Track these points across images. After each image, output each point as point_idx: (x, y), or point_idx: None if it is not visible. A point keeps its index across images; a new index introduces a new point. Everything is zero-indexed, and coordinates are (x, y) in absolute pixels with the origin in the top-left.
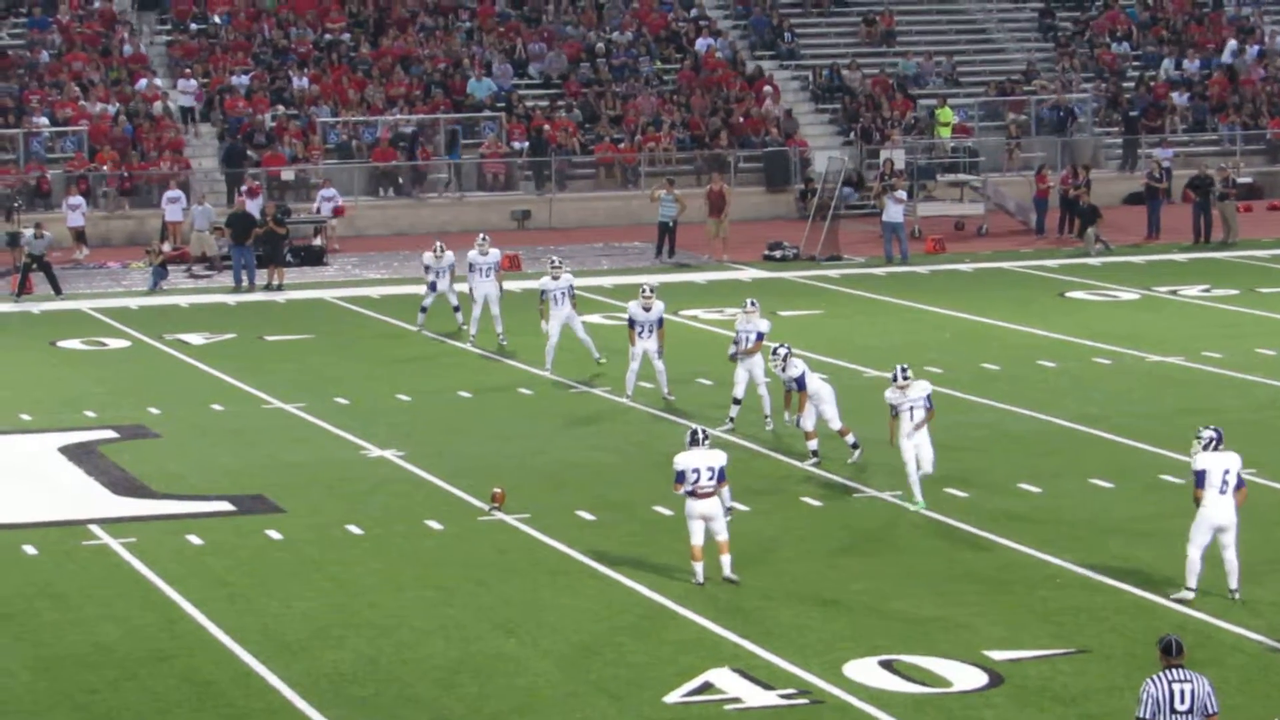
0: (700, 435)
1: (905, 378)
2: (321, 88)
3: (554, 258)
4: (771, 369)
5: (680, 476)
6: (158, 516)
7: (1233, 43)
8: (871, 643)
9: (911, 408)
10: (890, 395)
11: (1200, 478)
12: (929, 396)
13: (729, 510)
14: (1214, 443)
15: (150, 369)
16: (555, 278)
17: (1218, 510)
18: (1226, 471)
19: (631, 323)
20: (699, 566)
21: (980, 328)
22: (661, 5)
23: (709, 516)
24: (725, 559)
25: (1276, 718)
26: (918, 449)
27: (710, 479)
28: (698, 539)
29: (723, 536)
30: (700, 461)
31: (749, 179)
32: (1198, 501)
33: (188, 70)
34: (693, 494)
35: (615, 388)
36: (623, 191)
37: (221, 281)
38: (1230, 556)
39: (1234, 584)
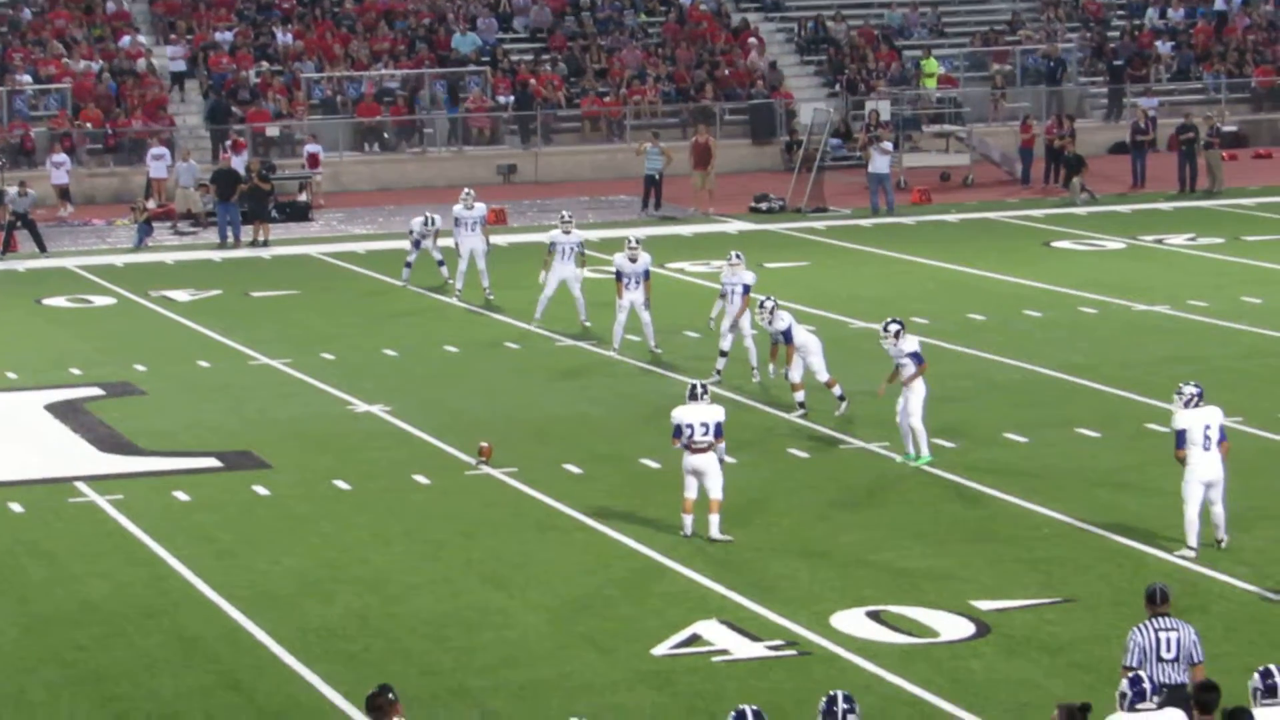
0: (700, 390)
1: (884, 331)
2: (306, 43)
3: (565, 212)
4: (758, 321)
5: (677, 430)
6: (144, 473)
7: None
8: (859, 594)
9: (899, 364)
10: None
11: (1180, 437)
12: (914, 353)
13: (721, 463)
14: (1194, 399)
15: (136, 326)
16: (566, 232)
17: (1204, 466)
18: (1207, 427)
19: (618, 275)
20: (688, 519)
21: (966, 278)
22: None
23: (701, 471)
24: (714, 518)
25: (1264, 665)
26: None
27: (705, 434)
28: (690, 493)
29: (715, 495)
30: (697, 416)
31: (734, 131)
32: (1181, 461)
33: (174, 35)
34: (688, 448)
35: (602, 341)
36: (608, 145)
37: (207, 238)
38: (1218, 510)
39: (1221, 534)
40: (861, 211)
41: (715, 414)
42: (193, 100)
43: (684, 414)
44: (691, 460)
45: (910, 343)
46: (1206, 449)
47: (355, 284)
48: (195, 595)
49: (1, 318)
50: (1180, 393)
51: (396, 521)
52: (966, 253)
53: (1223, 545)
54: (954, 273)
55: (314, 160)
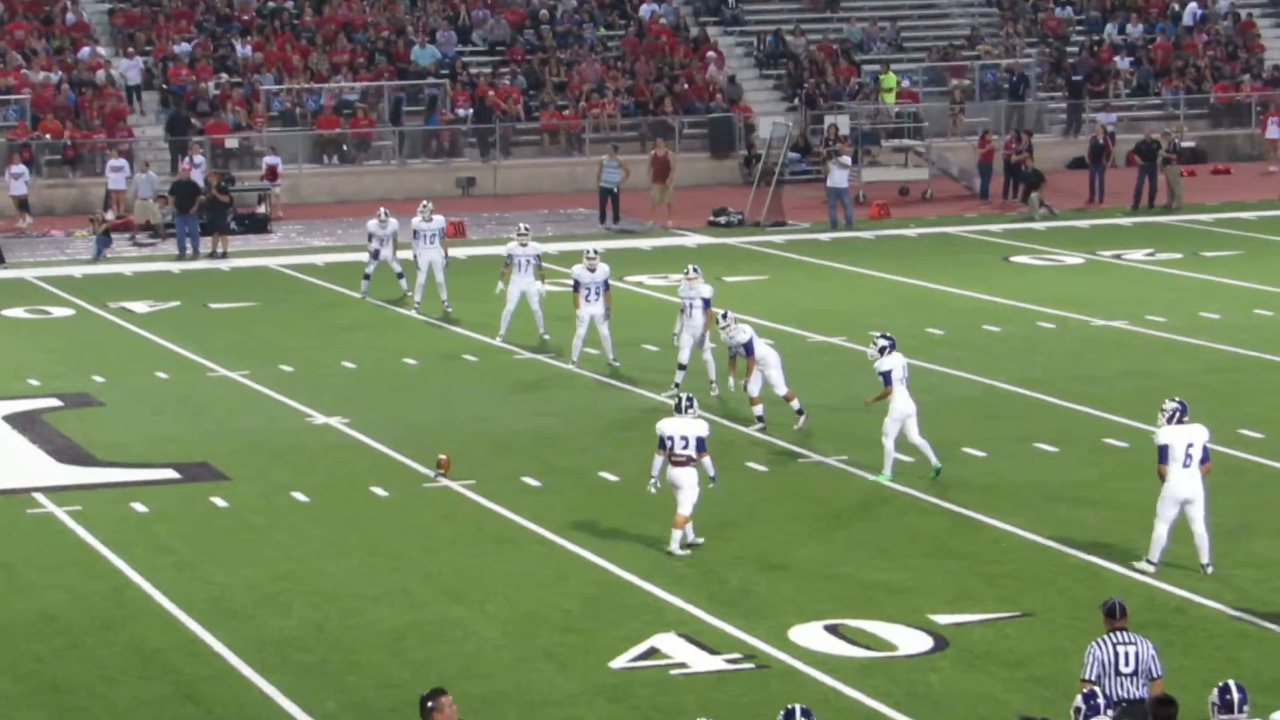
0: (685, 403)
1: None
2: (265, 55)
3: (522, 225)
4: (720, 334)
5: (661, 442)
6: (103, 485)
7: (1193, 6)
8: (817, 607)
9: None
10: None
11: (1163, 453)
12: (883, 373)
13: (713, 480)
14: (1177, 414)
15: (94, 337)
16: (523, 245)
17: (1182, 484)
18: (1190, 445)
19: (576, 285)
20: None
21: (924, 292)
22: None
23: (677, 485)
24: (676, 533)
25: (1223, 681)
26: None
27: (685, 447)
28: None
29: (683, 510)
30: (679, 429)
31: (693, 145)
32: (1162, 477)
33: (130, 49)
34: (670, 460)
35: (561, 354)
36: (567, 158)
37: (166, 249)
38: (1200, 530)
39: (1205, 558)
40: (820, 226)
41: (697, 428)
42: (151, 111)
43: (667, 426)
44: (671, 472)
45: (885, 361)
46: (1186, 466)
47: (314, 296)
48: (153, 607)
49: None
50: (1164, 409)
51: (354, 534)
52: (925, 267)
53: (1209, 571)
54: (913, 287)
55: (273, 172)
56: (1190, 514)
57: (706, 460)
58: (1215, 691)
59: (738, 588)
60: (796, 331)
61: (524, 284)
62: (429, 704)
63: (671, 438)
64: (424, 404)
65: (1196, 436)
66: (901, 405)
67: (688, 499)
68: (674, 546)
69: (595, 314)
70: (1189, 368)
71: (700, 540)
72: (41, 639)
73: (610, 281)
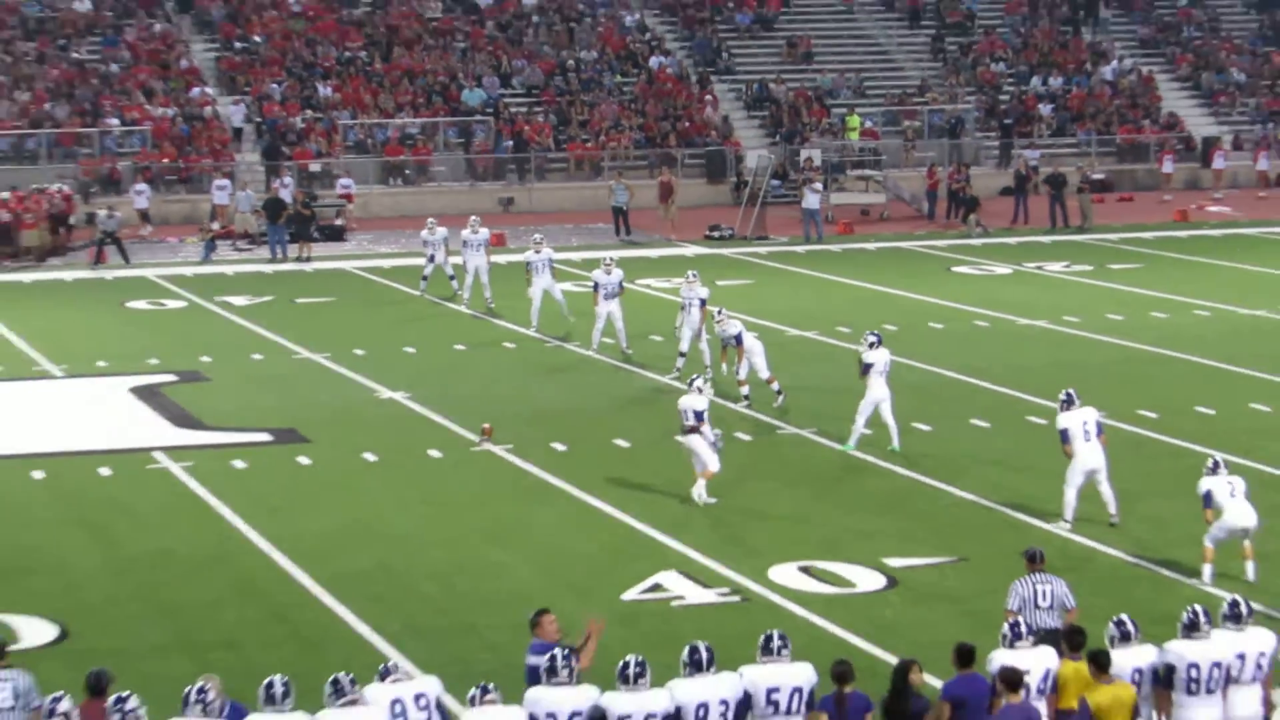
0: (692, 381)
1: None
2: (343, 95)
3: (537, 235)
4: (714, 327)
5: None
6: (209, 445)
7: (1115, 64)
8: (792, 551)
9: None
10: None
11: (1064, 435)
12: (866, 364)
13: (715, 445)
14: (1069, 403)
15: (202, 325)
16: (537, 252)
17: (1088, 456)
18: (1085, 423)
19: (596, 286)
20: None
21: (881, 295)
22: (621, 29)
23: (688, 450)
24: (698, 484)
25: (1117, 615)
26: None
27: (687, 419)
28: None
29: (698, 468)
30: (688, 404)
31: (693, 172)
32: (1067, 455)
33: (238, 98)
34: (681, 430)
35: (583, 343)
36: (590, 182)
37: (260, 254)
38: (1106, 490)
39: (1113, 511)
40: (796, 240)
41: (696, 403)
42: (249, 141)
43: (680, 402)
44: (682, 440)
45: (869, 355)
46: (1087, 440)
47: (381, 293)
48: (250, 545)
49: (93, 317)
50: (1059, 399)
51: (414, 488)
52: (882, 275)
53: (1115, 522)
54: (872, 291)
55: (348, 197)
56: (1097, 479)
57: (705, 428)
58: (1111, 624)
59: (727, 535)
60: (777, 326)
61: (544, 283)
62: (534, 620)
63: (682, 411)
64: (471, 382)
65: (1089, 416)
66: (875, 391)
67: (697, 461)
68: (700, 496)
69: (612, 311)
70: (1098, 360)
71: (712, 500)
72: (160, 570)
73: (623, 284)
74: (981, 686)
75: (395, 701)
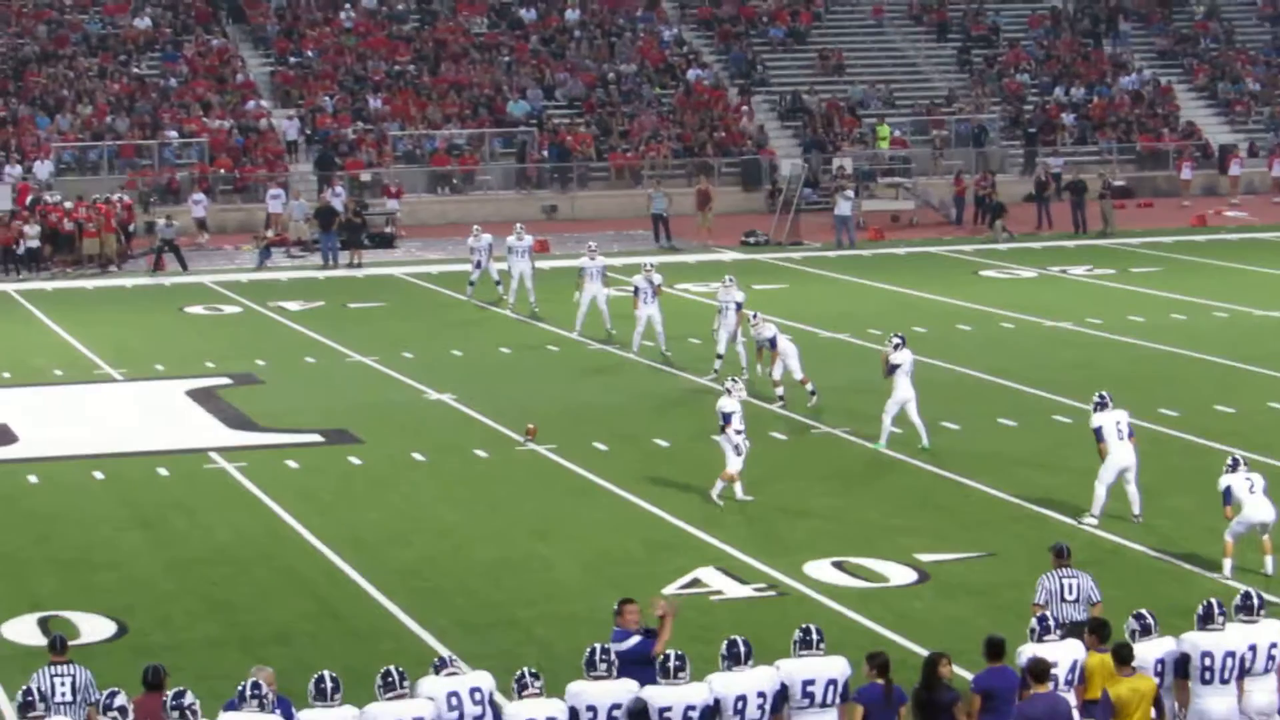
0: (731, 383)
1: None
2: (392, 108)
3: (591, 243)
4: (750, 330)
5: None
6: (263, 446)
7: (1135, 75)
8: (826, 547)
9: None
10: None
11: (1098, 433)
12: (892, 365)
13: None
14: (1103, 404)
15: (257, 329)
16: (591, 259)
17: (1122, 455)
18: (1119, 423)
19: (636, 291)
20: (719, 484)
21: (911, 299)
22: (660, 44)
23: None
24: (736, 485)
25: (1138, 609)
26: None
27: (719, 420)
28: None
29: (733, 468)
30: (719, 406)
31: (729, 181)
32: (1102, 454)
33: (292, 113)
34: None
35: (624, 346)
36: (630, 190)
37: (313, 261)
38: (1132, 490)
39: (1137, 510)
40: (829, 245)
41: (724, 405)
42: (303, 152)
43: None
44: (716, 438)
45: (896, 355)
46: (1121, 439)
47: (430, 298)
48: (303, 542)
49: (152, 322)
50: (1093, 401)
51: (461, 486)
52: (911, 279)
53: (1139, 520)
54: (902, 295)
55: (399, 192)
56: (1126, 477)
57: (729, 430)
58: (1131, 619)
59: (763, 531)
60: (810, 329)
61: (594, 290)
62: (617, 609)
63: (717, 412)
64: (516, 384)
65: (1121, 417)
66: (901, 391)
67: (726, 458)
68: (717, 494)
69: (651, 314)
70: (1120, 360)
71: (749, 498)
72: (215, 566)
73: (661, 288)
74: (1011, 679)
75: (451, 695)
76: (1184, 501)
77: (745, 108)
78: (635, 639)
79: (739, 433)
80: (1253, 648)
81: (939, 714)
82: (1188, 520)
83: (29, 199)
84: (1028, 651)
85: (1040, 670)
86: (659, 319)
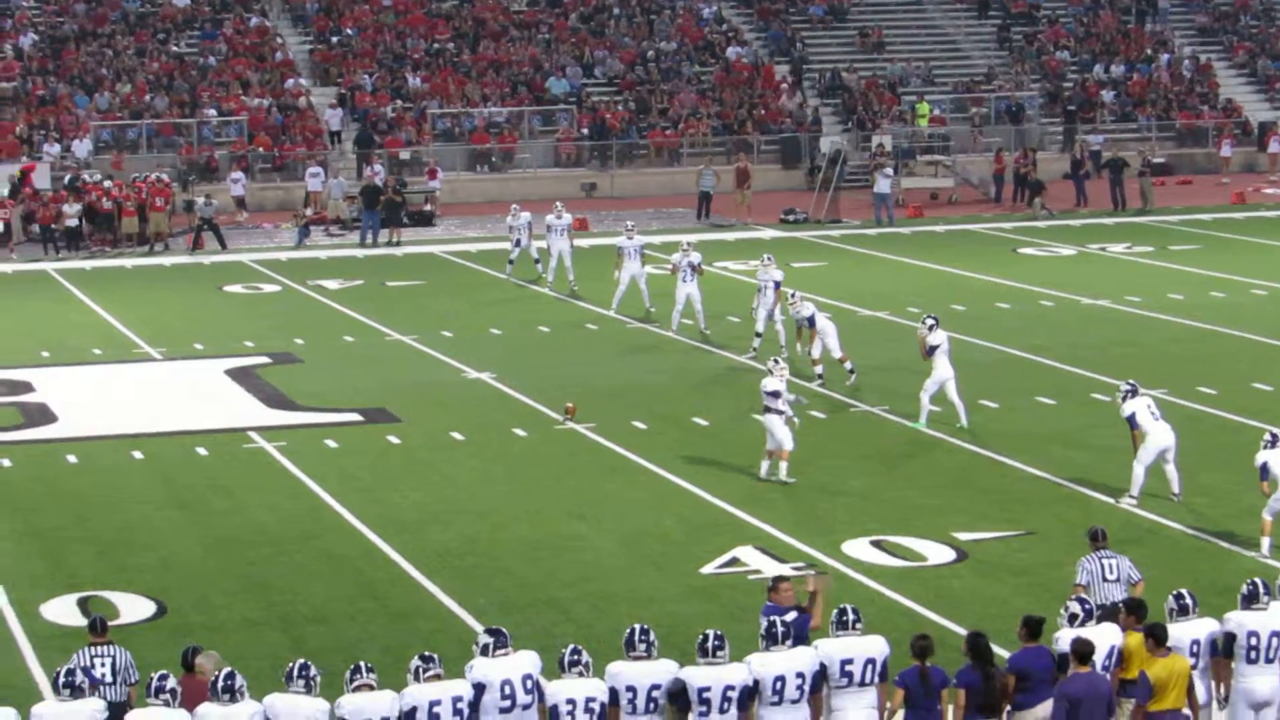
0: (774, 362)
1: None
2: (431, 86)
3: (629, 222)
4: (789, 309)
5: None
6: (302, 425)
7: (1186, 50)
8: (864, 526)
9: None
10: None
11: (1132, 420)
12: (931, 346)
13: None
14: (1133, 390)
15: (296, 308)
16: (629, 238)
17: (1161, 435)
18: (1149, 405)
19: (674, 269)
20: (764, 465)
21: (950, 277)
22: (699, 21)
23: (767, 428)
24: (778, 464)
25: (1177, 589)
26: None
27: (767, 399)
28: (769, 444)
29: (770, 445)
30: (765, 385)
31: (768, 158)
32: (1137, 440)
33: (333, 102)
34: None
35: (663, 324)
36: (669, 168)
37: (352, 239)
38: (1171, 470)
39: (1176, 489)
40: (868, 223)
41: (768, 383)
42: (344, 130)
43: (763, 383)
44: (759, 417)
45: (933, 336)
46: (1157, 420)
47: (469, 277)
48: (342, 523)
49: (191, 300)
50: (1120, 390)
51: (500, 465)
52: (950, 257)
53: (1178, 499)
54: (941, 273)
55: (431, 173)
56: (1165, 457)
57: (780, 403)
58: (1171, 598)
59: (802, 510)
60: (849, 307)
61: (633, 269)
62: (772, 585)
63: (762, 392)
64: (555, 363)
65: (1149, 401)
66: (941, 371)
67: (773, 438)
68: (775, 470)
69: (691, 292)
70: (1159, 338)
71: (792, 480)
72: (255, 547)
73: (701, 266)
74: (1047, 659)
75: (505, 683)
76: (1221, 479)
77: (784, 85)
78: (793, 614)
79: (782, 412)
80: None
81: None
82: (1225, 498)
83: (68, 178)
84: (1064, 636)
85: (1084, 651)
86: (698, 297)
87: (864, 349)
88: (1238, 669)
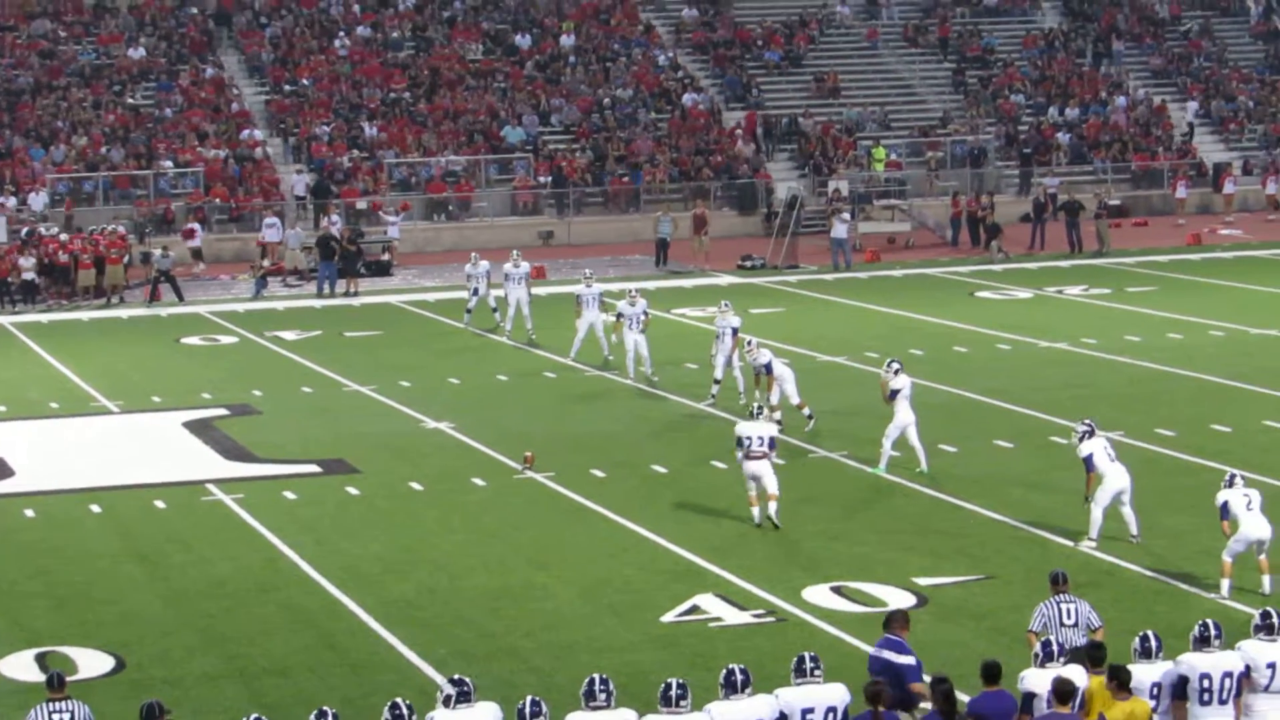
0: (757, 410)
1: (886, 367)
2: (388, 135)
3: (586, 270)
4: (745, 356)
5: (739, 441)
6: (260, 477)
7: (1140, 93)
8: (824, 572)
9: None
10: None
11: (1089, 462)
12: (892, 390)
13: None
14: (1090, 431)
15: (254, 359)
16: (588, 286)
17: (1117, 477)
18: (1106, 447)
19: (619, 317)
20: (755, 510)
21: (908, 321)
22: (655, 68)
23: (758, 475)
24: (772, 505)
25: (1142, 631)
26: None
27: (761, 445)
28: (752, 491)
29: (772, 490)
30: (756, 431)
31: (725, 204)
32: (1091, 483)
33: (298, 168)
34: (748, 456)
35: (622, 372)
36: (626, 215)
37: (309, 290)
38: (1128, 511)
39: (1135, 530)
40: (826, 268)
41: (770, 430)
42: (301, 182)
43: (746, 429)
44: (750, 466)
45: (895, 381)
46: (1113, 460)
47: (427, 326)
48: (300, 574)
49: (148, 353)
50: (1076, 431)
51: (459, 515)
52: (908, 301)
53: (1137, 540)
54: (898, 316)
55: (400, 209)
56: (1122, 499)
57: (773, 454)
58: (1136, 640)
59: (762, 556)
60: (807, 353)
61: (591, 317)
62: (889, 619)
63: (751, 438)
64: (513, 412)
65: (1105, 442)
66: (902, 416)
67: (771, 482)
68: (773, 515)
69: (637, 340)
70: (1116, 380)
71: (777, 522)
72: (213, 599)
73: (650, 312)
74: (1007, 703)
75: None
76: (1180, 521)
77: (740, 131)
78: (912, 659)
79: (754, 456)
80: (1271, 665)
81: None
82: (1184, 540)
83: (24, 231)
84: (1030, 677)
85: (1065, 690)
86: (644, 344)
87: (822, 394)
88: (1192, 710)
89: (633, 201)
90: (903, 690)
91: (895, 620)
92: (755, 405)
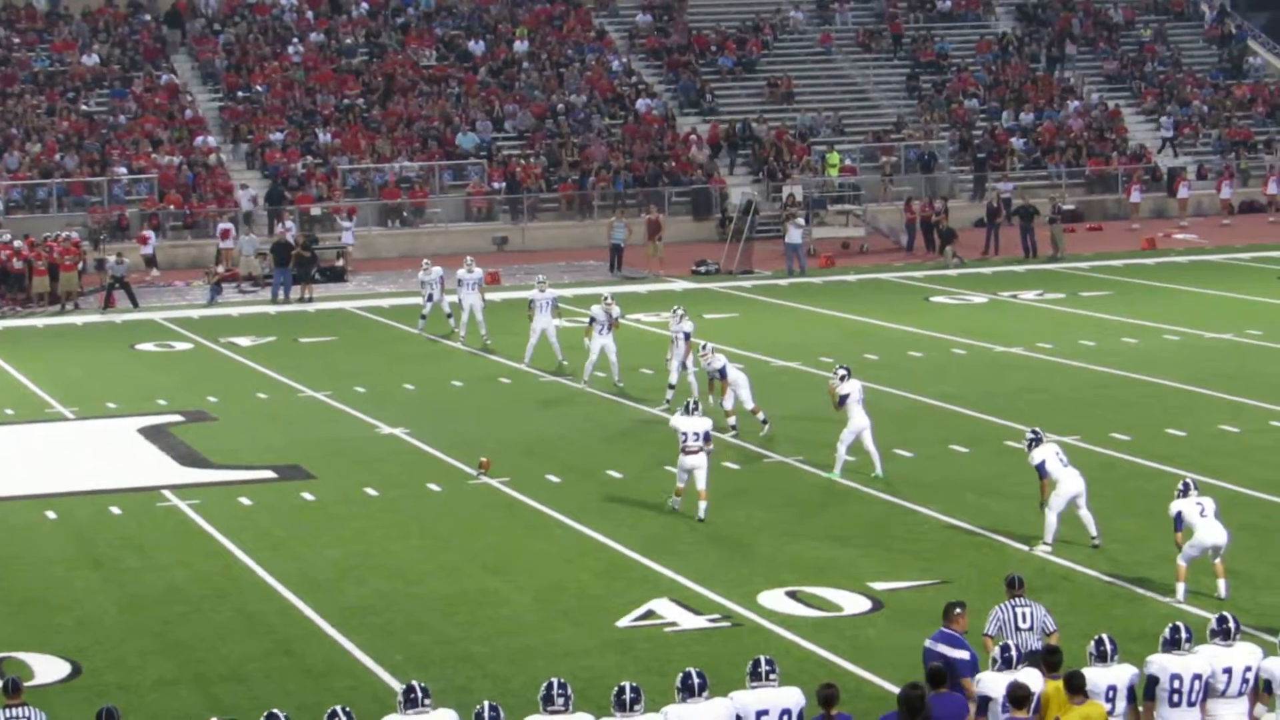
0: (693, 405)
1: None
2: (342, 141)
3: (540, 276)
4: (700, 361)
5: (681, 436)
6: (216, 483)
7: (1094, 97)
8: (779, 577)
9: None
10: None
11: (1041, 469)
12: (842, 395)
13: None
14: (1037, 439)
15: (209, 365)
16: (541, 291)
17: (1071, 482)
18: (1057, 452)
19: (591, 321)
20: (677, 500)
21: (862, 326)
22: (609, 74)
23: (692, 468)
24: (701, 504)
25: (1098, 635)
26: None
27: (697, 440)
28: (681, 483)
29: (701, 486)
30: (691, 426)
31: (679, 210)
32: (1048, 487)
33: (243, 184)
34: (684, 450)
35: (576, 376)
36: (580, 221)
37: (264, 296)
38: (1085, 514)
39: (1094, 532)
40: (780, 273)
41: (704, 424)
42: (254, 186)
43: (681, 423)
44: (686, 460)
45: (844, 386)
46: (1066, 467)
47: (381, 332)
48: (256, 580)
49: (103, 359)
50: (1026, 439)
51: (414, 521)
52: (863, 306)
53: (1097, 544)
54: (853, 322)
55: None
56: (1077, 503)
57: (710, 447)
58: (1091, 643)
59: (717, 561)
60: (762, 358)
61: (544, 322)
62: (948, 610)
63: (686, 433)
64: (468, 417)
65: (1056, 448)
66: (857, 420)
67: (703, 477)
68: (701, 513)
69: (606, 344)
70: (1071, 385)
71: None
72: (168, 605)
73: (619, 319)
74: (958, 705)
75: None
76: (1136, 525)
77: (694, 137)
78: (967, 654)
79: (690, 451)
80: (1227, 670)
81: None
82: (1140, 544)
83: None
84: (987, 680)
85: (1021, 695)
86: (613, 349)
87: (777, 399)
88: (1159, 713)
89: (587, 207)
90: (955, 684)
91: (951, 612)
92: (692, 400)
